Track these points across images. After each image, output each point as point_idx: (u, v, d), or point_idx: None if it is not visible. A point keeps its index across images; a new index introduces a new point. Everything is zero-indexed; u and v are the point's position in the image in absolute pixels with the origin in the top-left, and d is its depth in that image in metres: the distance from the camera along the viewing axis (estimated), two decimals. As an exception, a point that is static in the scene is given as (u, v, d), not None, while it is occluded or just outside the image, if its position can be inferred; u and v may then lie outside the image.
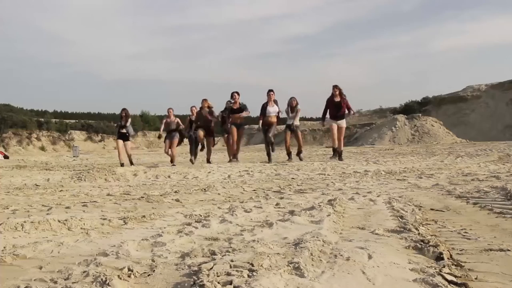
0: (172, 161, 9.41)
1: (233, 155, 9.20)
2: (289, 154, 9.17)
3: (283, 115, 9.31)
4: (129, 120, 9.92)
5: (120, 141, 9.68)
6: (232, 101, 9.22)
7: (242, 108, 9.15)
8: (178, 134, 9.59)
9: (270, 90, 9.21)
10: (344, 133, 9.12)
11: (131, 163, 9.40)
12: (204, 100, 9.52)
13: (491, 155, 9.12)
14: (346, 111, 8.94)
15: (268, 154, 9.09)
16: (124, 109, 9.89)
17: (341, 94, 8.88)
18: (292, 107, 9.28)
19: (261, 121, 9.09)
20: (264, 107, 9.09)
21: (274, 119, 9.02)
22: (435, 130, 22.88)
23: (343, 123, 8.98)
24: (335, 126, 8.86)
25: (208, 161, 9.28)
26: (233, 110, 9.17)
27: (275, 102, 9.15)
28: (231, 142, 9.29)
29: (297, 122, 9.21)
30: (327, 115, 8.97)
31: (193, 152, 9.47)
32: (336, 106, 8.84)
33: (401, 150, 13.60)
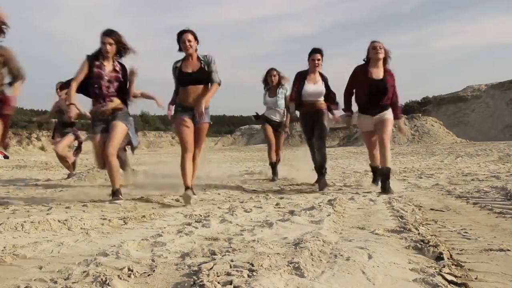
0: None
1: (188, 184, 3.66)
2: (273, 165, 5.66)
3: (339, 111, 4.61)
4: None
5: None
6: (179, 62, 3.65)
7: (209, 72, 3.65)
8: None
9: (316, 51, 4.51)
10: (389, 131, 4.11)
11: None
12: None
13: (491, 155, 9.11)
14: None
15: (319, 169, 4.44)
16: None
17: (385, 64, 4.17)
18: (272, 86, 5.48)
19: (293, 104, 4.60)
20: (298, 77, 4.57)
21: (322, 106, 4.55)
22: (435, 130, 22.87)
23: (385, 114, 4.14)
24: (367, 126, 4.25)
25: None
26: (187, 75, 3.64)
27: (324, 78, 4.63)
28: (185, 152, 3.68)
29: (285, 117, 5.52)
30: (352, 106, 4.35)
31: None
32: (374, 88, 4.10)
33: (401, 150, 13.59)
